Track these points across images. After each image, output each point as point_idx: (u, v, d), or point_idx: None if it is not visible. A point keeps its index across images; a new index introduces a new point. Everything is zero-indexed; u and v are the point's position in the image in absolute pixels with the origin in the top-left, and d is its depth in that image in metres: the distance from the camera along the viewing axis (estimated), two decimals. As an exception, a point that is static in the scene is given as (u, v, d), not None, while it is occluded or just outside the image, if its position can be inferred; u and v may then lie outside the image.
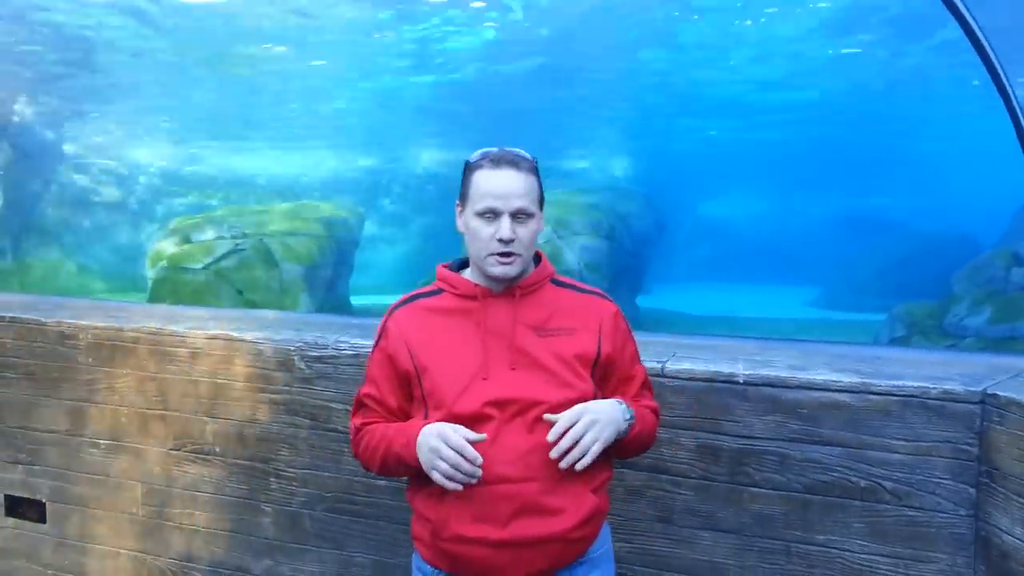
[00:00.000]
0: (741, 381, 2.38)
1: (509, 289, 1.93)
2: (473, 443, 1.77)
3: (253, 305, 9.63)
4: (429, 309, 1.97)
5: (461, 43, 15.48)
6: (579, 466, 1.78)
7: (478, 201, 1.86)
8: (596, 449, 1.78)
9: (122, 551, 3.33)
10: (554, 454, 1.78)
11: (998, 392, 2.12)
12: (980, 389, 2.16)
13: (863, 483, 2.27)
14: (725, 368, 2.42)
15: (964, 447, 2.17)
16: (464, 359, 1.89)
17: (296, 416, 2.96)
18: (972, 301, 9.49)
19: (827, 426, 2.29)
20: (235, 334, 3.06)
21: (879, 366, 2.40)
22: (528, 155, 1.92)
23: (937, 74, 15.87)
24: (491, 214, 1.85)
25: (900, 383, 2.23)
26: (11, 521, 3.52)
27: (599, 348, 1.93)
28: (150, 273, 10.54)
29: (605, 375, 1.96)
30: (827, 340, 2.94)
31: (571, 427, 1.78)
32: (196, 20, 14.12)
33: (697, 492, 2.45)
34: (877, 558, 2.27)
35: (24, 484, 3.48)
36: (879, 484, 2.25)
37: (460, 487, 1.78)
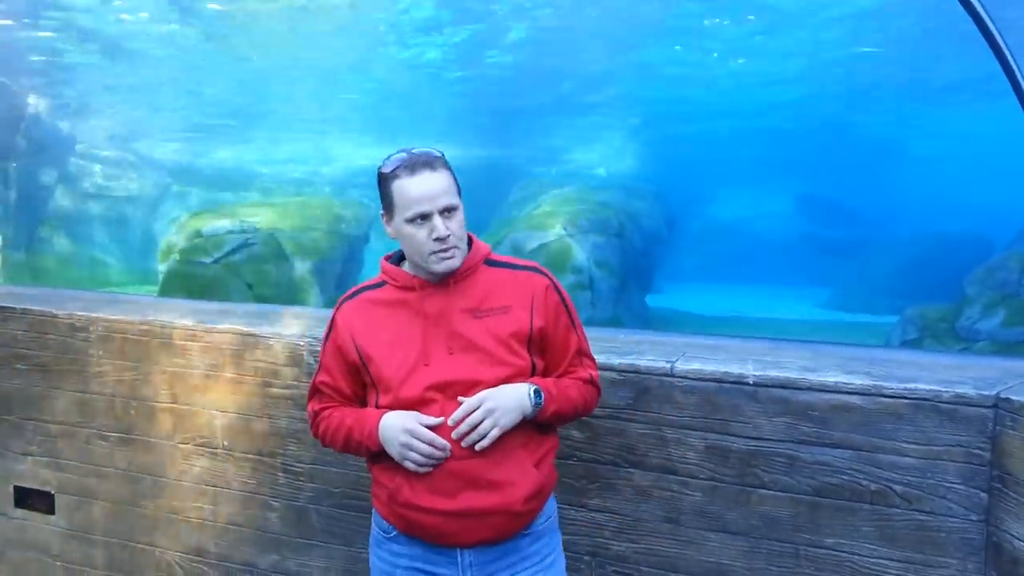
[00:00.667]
0: (751, 382, 2.37)
1: (443, 278, 2.02)
2: (434, 428, 1.93)
3: (263, 299, 9.64)
4: (373, 301, 2.09)
5: (472, 38, 15.47)
6: (478, 447, 1.91)
7: (406, 209, 1.95)
8: (494, 434, 1.91)
9: (130, 543, 3.34)
10: (454, 436, 1.91)
11: (1011, 396, 2.10)
12: (993, 393, 2.14)
13: (873, 486, 2.25)
14: (735, 369, 2.40)
15: (976, 451, 2.15)
16: (406, 347, 2.00)
17: (304, 411, 2.95)
18: (985, 304, 9.43)
19: (838, 428, 2.28)
20: (244, 328, 3.06)
21: (891, 368, 2.37)
22: (436, 151, 2.01)
23: (952, 73, 15.78)
24: (423, 217, 1.94)
25: (912, 386, 2.21)
26: (20, 512, 3.54)
27: (531, 323, 2.02)
28: (161, 266, 10.58)
29: (543, 347, 2.06)
30: (838, 342, 2.92)
31: (472, 413, 1.90)
32: (211, 14, 14.17)
33: (705, 493, 2.44)
34: (887, 562, 2.25)
35: (34, 475, 3.49)
36: (889, 487, 2.23)
37: (431, 470, 1.94)
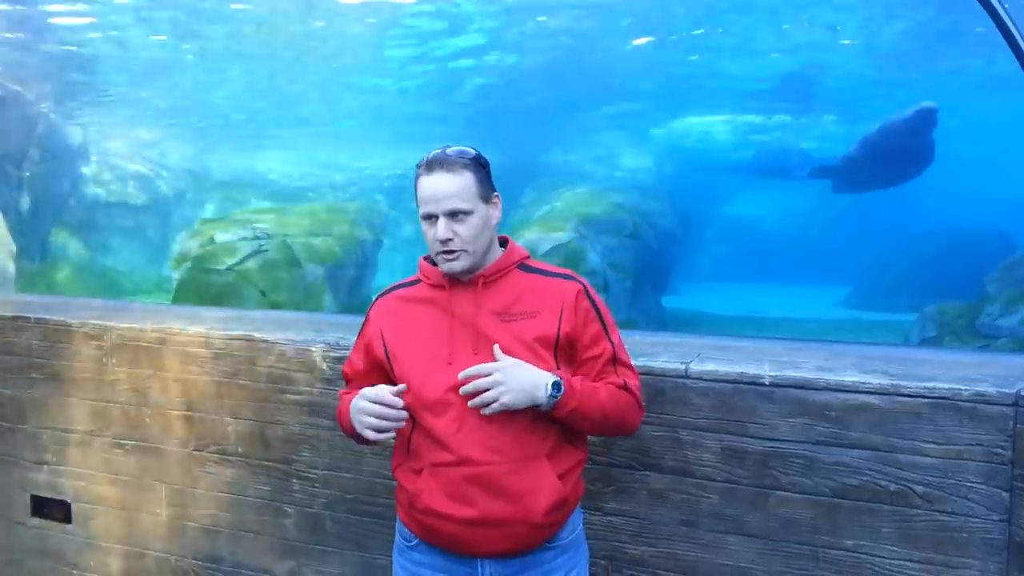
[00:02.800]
0: (767, 383, 2.34)
1: (474, 279, 2.01)
2: (397, 395, 1.91)
3: (277, 306, 9.67)
4: (405, 299, 2.10)
5: (484, 39, 15.47)
6: (483, 411, 1.88)
7: (420, 206, 1.97)
8: (495, 407, 1.86)
9: (147, 551, 3.34)
10: (461, 391, 1.89)
11: (1033, 394, 2.07)
12: (1013, 391, 2.10)
13: (893, 487, 2.22)
14: (751, 369, 2.38)
15: (997, 450, 2.11)
16: (432, 346, 2.00)
17: (318, 417, 2.95)
18: (1006, 301, 9.32)
19: (856, 428, 2.25)
20: (257, 335, 3.06)
21: (909, 367, 2.34)
22: (467, 152, 1.97)
23: (972, 67, 15.63)
24: (430, 217, 1.95)
25: (931, 385, 2.18)
26: (37, 521, 3.55)
27: (559, 329, 1.98)
28: (175, 274, 10.63)
29: (571, 354, 2.02)
30: (856, 341, 2.89)
31: (481, 376, 1.87)
32: (224, 22, 14.26)
33: (722, 496, 2.41)
34: (907, 563, 2.22)
35: (50, 484, 3.51)
36: (909, 488, 2.20)
37: (393, 435, 1.95)
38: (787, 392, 2.32)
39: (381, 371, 2.10)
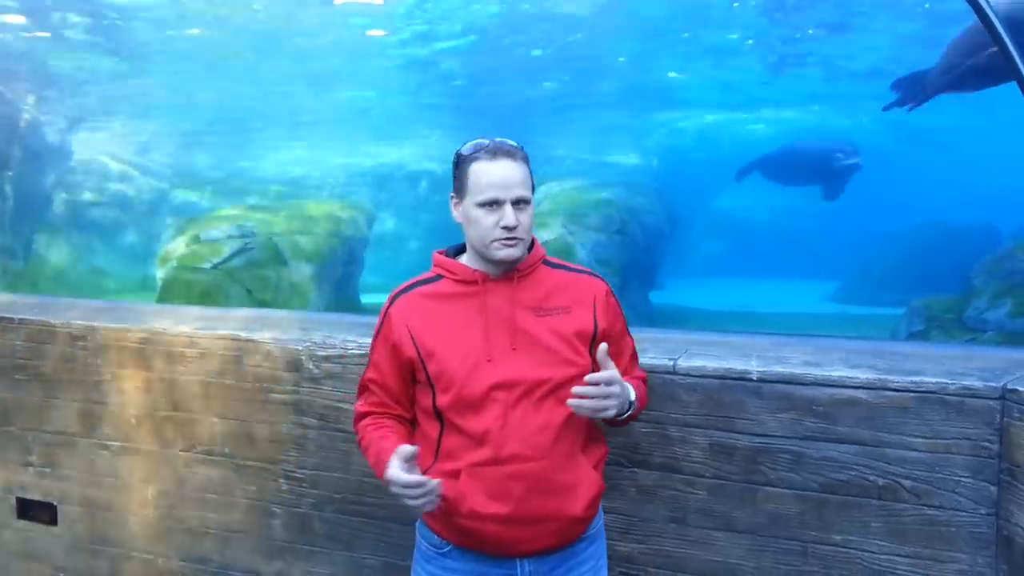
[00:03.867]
0: (755, 378, 2.34)
1: (507, 272, 1.99)
2: (412, 457, 1.83)
3: (263, 304, 9.61)
4: (429, 296, 2.04)
5: (467, 32, 15.42)
6: (580, 413, 1.86)
7: (479, 192, 1.92)
8: (600, 415, 1.87)
9: (134, 553, 3.32)
10: (578, 390, 1.83)
11: (1019, 387, 2.07)
12: (1000, 385, 2.11)
13: (881, 481, 2.22)
14: (738, 365, 2.38)
15: (984, 444, 2.12)
16: (468, 342, 1.95)
17: (305, 416, 2.94)
18: (992, 295, 9.35)
19: (843, 423, 2.25)
20: (244, 334, 3.04)
21: (897, 362, 2.35)
22: (518, 144, 2.00)
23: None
24: (494, 204, 1.91)
25: (918, 379, 2.19)
26: (23, 524, 3.52)
27: (595, 324, 2.01)
28: (159, 273, 10.54)
29: None
30: (843, 335, 2.89)
31: (607, 385, 1.84)
32: (208, 19, 14.17)
33: (711, 492, 2.41)
34: (896, 558, 2.23)
35: (36, 486, 3.48)
36: (897, 483, 2.20)
37: (439, 502, 1.87)
38: (775, 387, 2.32)
39: (407, 372, 2.04)
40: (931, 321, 9.42)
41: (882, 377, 2.22)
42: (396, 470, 1.82)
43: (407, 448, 1.83)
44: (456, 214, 2.02)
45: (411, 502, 1.84)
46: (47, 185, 13.59)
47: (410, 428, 2.10)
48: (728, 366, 2.38)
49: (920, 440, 2.17)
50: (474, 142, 1.98)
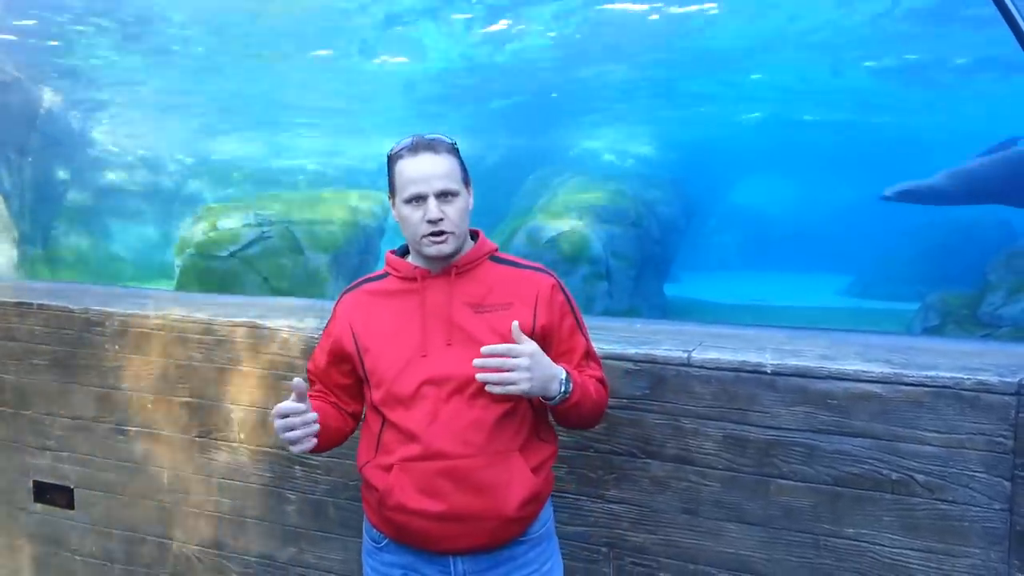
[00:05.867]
0: (769, 371, 2.34)
1: (446, 269, 1.99)
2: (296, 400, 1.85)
3: (279, 293, 9.66)
4: (374, 292, 2.07)
5: (483, 25, 15.39)
6: (488, 388, 1.81)
7: (404, 189, 1.94)
8: (511, 389, 1.80)
9: (149, 537, 3.35)
10: (476, 363, 1.80)
11: (1036, 383, 2.06)
12: (1016, 380, 2.10)
13: (894, 476, 2.22)
14: (753, 358, 2.37)
15: (999, 439, 2.11)
16: (404, 339, 1.97)
17: (319, 404, 2.95)
18: (1008, 289, 9.29)
19: (858, 417, 2.24)
20: (259, 321, 3.06)
21: (912, 356, 2.34)
22: (446, 138, 1.99)
23: (975, 53, 15.55)
24: (418, 199, 1.93)
25: (933, 374, 2.18)
26: (39, 507, 3.56)
27: (534, 321, 1.97)
28: (177, 260, 10.61)
29: (544, 348, 1.95)
30: (858, 329, 2.88)
31: (510, 357, 1.80)
32: (228, 7, 14.22)
33: (723, 484, 2.41)
34: (908, 552, 2.22)
35: (52, 470, 3.51)
36: (911, 477, 2.20)
37: (314, 442, 1.88)
38: (789, 380, 2.31)
39: (346, 367, 2.08)
40: (946, 316, 9.37)
41: (897, 371, 2.21)
42: (282, 404, 1.86)
43: (297, 381, 1.85)
44: (394, 214, 2.02)
45: (288, 435, 1.84)
46: (66, 173, 13.68)
47: (342, 413, 2.12)
48: (743, 359, 2.38)
49: (934, 435, 2.17)
50: (402, 141, 1.99)
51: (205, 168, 18.62)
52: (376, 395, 1.99)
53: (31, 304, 3.51)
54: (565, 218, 11.13)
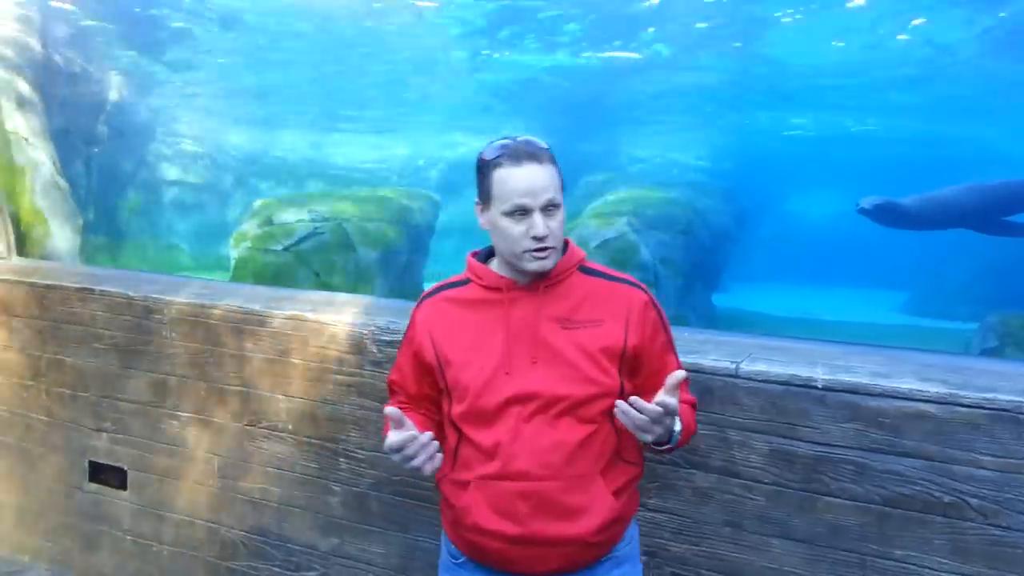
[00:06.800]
0: (820, 386, 2.30)
1: (535, 281, 1.88)
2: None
3: (330, 288, 9.79)
4: (454, 300, 1.96)
5: (536, 31, 15.41)
6: (621, 419, 1.71)
7: (505, 200, 1.81)
8: (639, 435, 1.73)
9: (197, 521, 3.42)
10: (625, 404, 1.69)
11: (1099, 411, 2.00)
12: (1079, 406, 2.04)
13: (947, 498, 2.17)
14: (803, 372, 2.34)
15: (1058, 467, 2.05)
16: (487, 353, 1.87)
17: (366, 398, 2.99)
18: (1071, 312, 9.03)
19: (911, 437, 2.20)
20: (310, 315, 3.11)
21: (969, 377, 2.29)
22: (543, 143, 1.86)
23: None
24: (522, 212, 1.80)
25: (991, 396, 2.13)
26: (94, 486, 3.66)
27: (625, 340, 1.87)
28: (233, 253, 10.81)
29: (634, 367, 1.90)
30: (914, 348, 2.82)
31: (659, 412, 1.69)
32: (286, 9, 14.47)
33: (769, 498, 2.38)
34: (958, 577, 2.17)
35: (108, 451, 3.61)
36: (964, 500, 2.15)
37: (440, 457, 1.80)
38: (840, 397, 2.28)
39: (427, 377, 1.98)
40: (1006, 338, 9.12)
41: (954, 392, 2.16)
42: (390, 436, 1.78)
43: (392, 409, 1.77)
44: (482, 221, 1.91)
45: (412, 463, 1.76)
46: (130, 163, 14.03)
47: (435, 423, 2.01)
48: (793, 372, 2.35)
49: (990, 458, 2.12)
50: (497, 143, 1.86)
51: (263, 163, 18.94)
52: (456, 410, 1.90)
53: (93, 290, 3.61)
54: (614, 223, 11.09)
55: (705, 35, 15.02)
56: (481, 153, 1.88)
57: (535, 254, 1.82)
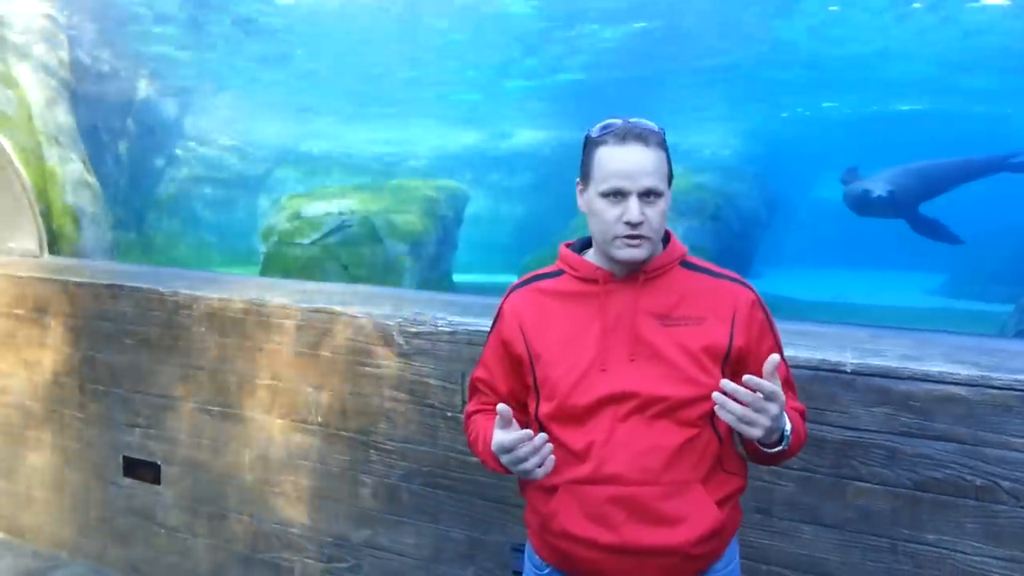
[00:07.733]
0: (849, 370, 2.28)
1: (633, 273, 1.76)
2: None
3: (358, 281, 9.86)
4: (547, 292, 1.84)
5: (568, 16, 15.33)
6: (719, 413, 1.58)
7: (602, 181, 1.70)
8: (744, 429, 1.57)
9: (230, 514, 3.47)
10: (727, 386, 1.56)
11: None
12: (1115, 387, 2.00)
13: (979, 481, 2.14)
14: (832, 356, 2.32)
15: (1094, 449, 2.02)
16: (580, 349, 1.75)
17: (395, 390, 3.01)
18: (1108, 292, 8.85)
19: (941, 420, 2.17)
20: (338, 308, 3.13)
21: (1001, 359, 2.25)
22: (656, 127, 1.73)
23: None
24: (617, 195, 1.69)
25: (1023, 377, 2.09)
26: (128, 481, 3.72)
27: (731, 341, 1.74)
28: (262, 247, 10.93)
29: (737, 371, 1.73)
30: (945, 330, 2.78)
31: (765, 395, 1.56)
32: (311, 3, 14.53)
33: (799, 484, 2.37)
34: (991, 560, 2.14)
35: (141, 447, 3.66)
36: (996, 483, 2.12)
37: (553, 460, 1.66)
38: (870, 381, 2.25)
39: (516, 372, 1.86)
40: (1042, 319, 8.96)
41: (985, 374, 2.13)
42: (498, 435, 1.66)
43: (503, 407, 1.65)
44: (581, 203, 1.80)
45: (524, 466, 1.64)
46: (159, 159, 14.20)
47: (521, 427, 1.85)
48: (822, 357, 2.33)
49: (1022, 441, 2.08)
50: (606, 122, 1.74)
51: (291, 158, 19.06)
52: (545, 408, 1.78)
53: (123, 286, 3.66)
54: (642, 209, 11.04)
55: (733, 14, 14.85)
56: (588, 131, 1.79)
57: (627, 240, 1.70)
